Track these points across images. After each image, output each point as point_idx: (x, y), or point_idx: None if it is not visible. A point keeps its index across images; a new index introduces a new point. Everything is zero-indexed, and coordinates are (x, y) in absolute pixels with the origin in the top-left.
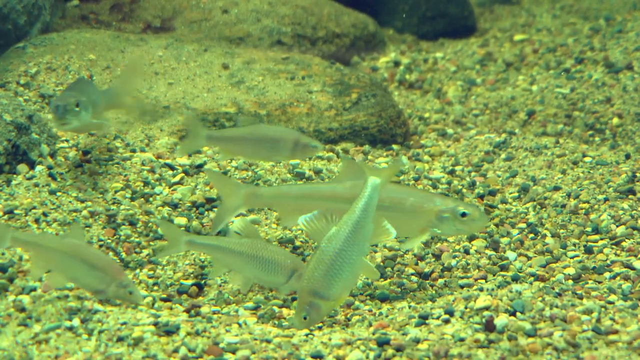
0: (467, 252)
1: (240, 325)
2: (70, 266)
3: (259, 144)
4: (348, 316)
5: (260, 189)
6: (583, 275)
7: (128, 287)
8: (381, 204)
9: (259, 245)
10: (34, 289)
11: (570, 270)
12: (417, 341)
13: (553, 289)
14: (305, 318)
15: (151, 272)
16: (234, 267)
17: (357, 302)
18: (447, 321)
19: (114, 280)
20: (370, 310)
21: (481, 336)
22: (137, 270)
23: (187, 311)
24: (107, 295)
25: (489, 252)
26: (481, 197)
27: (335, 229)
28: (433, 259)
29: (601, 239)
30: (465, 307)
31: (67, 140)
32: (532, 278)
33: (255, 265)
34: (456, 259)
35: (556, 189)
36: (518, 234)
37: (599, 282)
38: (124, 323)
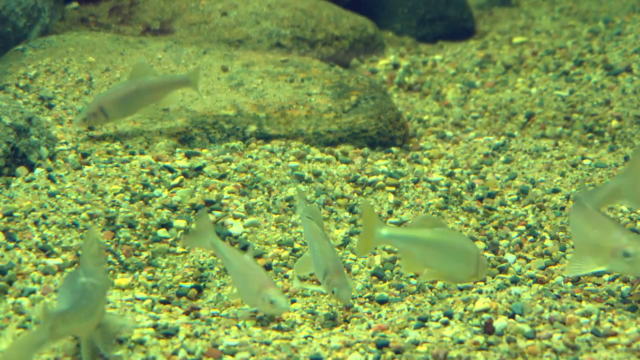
0: None
1: (239, 327)
2: None
3: None
4: (347, 318)
5: None
6: (582, 277)
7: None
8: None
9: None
10: (33, 292)
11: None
12: (416, 343)
13: (552, 291)
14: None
15: (150, 275)
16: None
17: (356, 305)
18: (446, 323)
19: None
20: (369, 313)
21: (480, 339)
22: (137, 273)
23: (187, 313)
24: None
25: (488, 254)
26: (480, 199)
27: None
28: None
29: None
30: (465, 310)
31: (66, 143)
32: (531, 280)
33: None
34: None
35: (555, 191)
36: (517, 236)
37: (598, 285)
38: (123, 325)
